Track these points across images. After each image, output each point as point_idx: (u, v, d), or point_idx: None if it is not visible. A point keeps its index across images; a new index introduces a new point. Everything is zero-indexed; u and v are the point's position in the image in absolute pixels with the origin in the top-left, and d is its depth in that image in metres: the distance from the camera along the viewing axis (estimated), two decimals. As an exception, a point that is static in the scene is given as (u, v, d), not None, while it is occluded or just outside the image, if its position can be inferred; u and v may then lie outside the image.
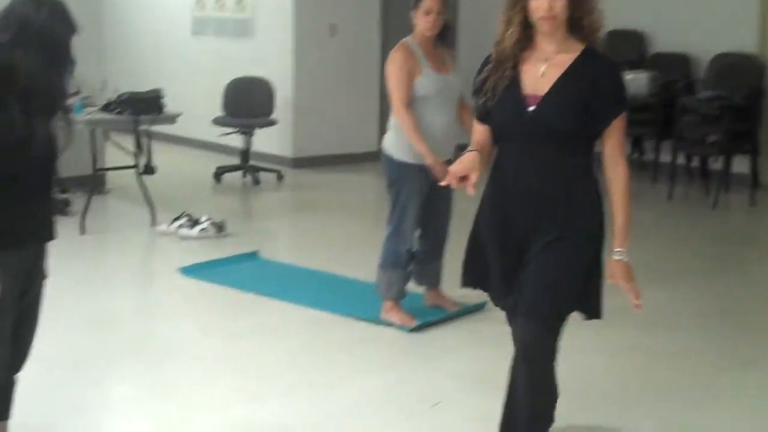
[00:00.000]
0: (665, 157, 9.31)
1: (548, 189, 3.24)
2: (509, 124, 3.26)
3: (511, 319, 3.41)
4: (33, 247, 3.32)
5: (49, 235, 3.38)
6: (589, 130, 3.23)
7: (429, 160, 5.01)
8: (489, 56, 3.36)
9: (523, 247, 3.28)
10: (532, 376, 3.37)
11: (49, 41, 3.13)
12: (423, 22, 5.12)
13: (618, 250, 3.23)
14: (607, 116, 3.21)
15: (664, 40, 10.05)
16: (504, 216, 3.30)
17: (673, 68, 9.71)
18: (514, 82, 3.24)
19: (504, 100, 3.24)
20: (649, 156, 9.76)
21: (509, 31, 3.22)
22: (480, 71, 3.36)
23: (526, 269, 3.27)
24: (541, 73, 3.21)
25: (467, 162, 3.17)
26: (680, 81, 9.43)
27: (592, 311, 3.36)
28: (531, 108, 3.20)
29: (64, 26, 3.21)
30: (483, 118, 3.36)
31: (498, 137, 3.31)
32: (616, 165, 3.25)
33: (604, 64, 3.26)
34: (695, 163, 9.48)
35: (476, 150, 3.24)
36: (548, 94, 3.19)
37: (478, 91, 3.35)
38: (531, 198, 3.25)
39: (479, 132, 3.38)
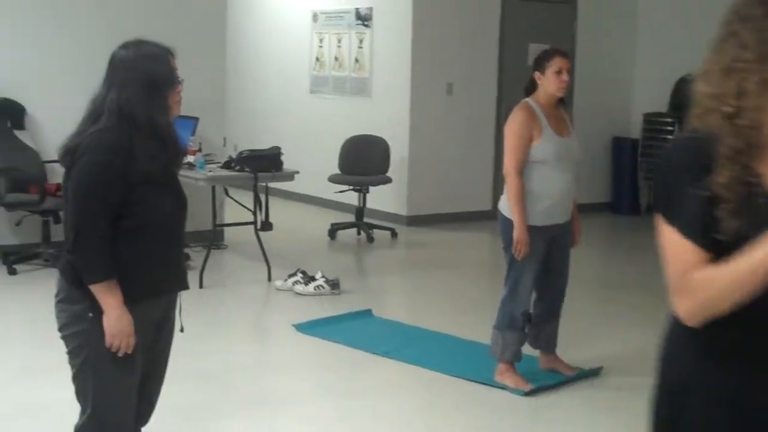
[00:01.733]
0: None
1: None
2: None
3: None
4: (166, 296, 3.33)
5: (183, 285, 3.38)
6: None
7: (517, 233, 4.97)
8: (699, 143, 1.98)
9: None
10: None
11: (142, 77, 3.12)
12: (554, 82, 5.04)
13: None
14: None
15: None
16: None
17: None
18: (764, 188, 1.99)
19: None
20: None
21: None
22: (676, 171, 2.02)
23: None
24: None
25: None
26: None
27: None
28: None
29: (152, 63, 3.17)
30: (714, 241, 1.97)
31: None
32: None
33: None
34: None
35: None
36: None
37: (720, 206, 1.93)
38: None
39: (699, 265, 1.97)
